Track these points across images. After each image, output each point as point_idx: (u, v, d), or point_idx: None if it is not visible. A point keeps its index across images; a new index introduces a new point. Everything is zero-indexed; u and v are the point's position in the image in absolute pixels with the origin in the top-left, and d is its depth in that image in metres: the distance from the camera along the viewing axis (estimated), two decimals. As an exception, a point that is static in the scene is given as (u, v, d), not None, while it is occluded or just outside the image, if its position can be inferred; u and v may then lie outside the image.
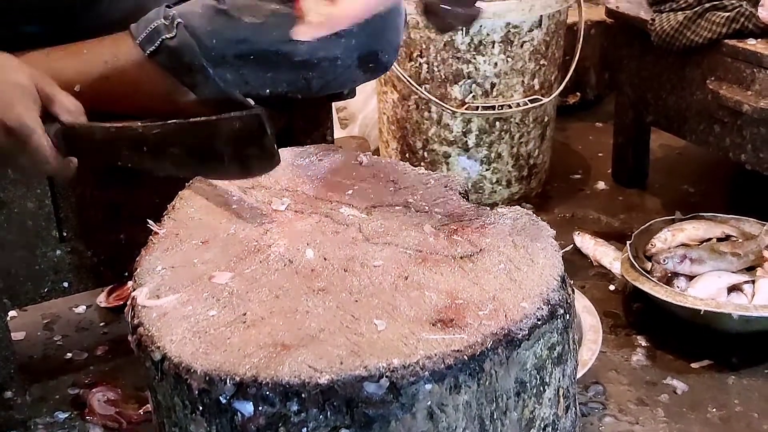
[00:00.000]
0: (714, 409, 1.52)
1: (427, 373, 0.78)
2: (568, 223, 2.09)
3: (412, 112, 2.05)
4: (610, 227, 2.08)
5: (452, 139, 2.04)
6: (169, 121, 1.09)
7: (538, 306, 0.85)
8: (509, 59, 1.97)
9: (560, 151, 2.39)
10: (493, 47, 1.95)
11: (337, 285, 0.89)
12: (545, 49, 2.01)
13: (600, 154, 2.40)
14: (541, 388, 0.87)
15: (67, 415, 1.53)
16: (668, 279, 1.75)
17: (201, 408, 0.81)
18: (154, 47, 1.30)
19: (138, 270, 0.94)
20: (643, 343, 1.69)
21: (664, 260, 1.74)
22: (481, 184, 2.08)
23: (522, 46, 1.97)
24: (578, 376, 1.46)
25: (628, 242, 1.79)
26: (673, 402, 1.54)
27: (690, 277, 1.74)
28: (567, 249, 0.92)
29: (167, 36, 1.29)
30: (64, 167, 1.10)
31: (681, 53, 1.92)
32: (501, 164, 2.07)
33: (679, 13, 1.90)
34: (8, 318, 1.70)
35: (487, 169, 2.07)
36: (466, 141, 2.03)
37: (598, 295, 1.82)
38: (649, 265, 1.77)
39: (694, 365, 1.63)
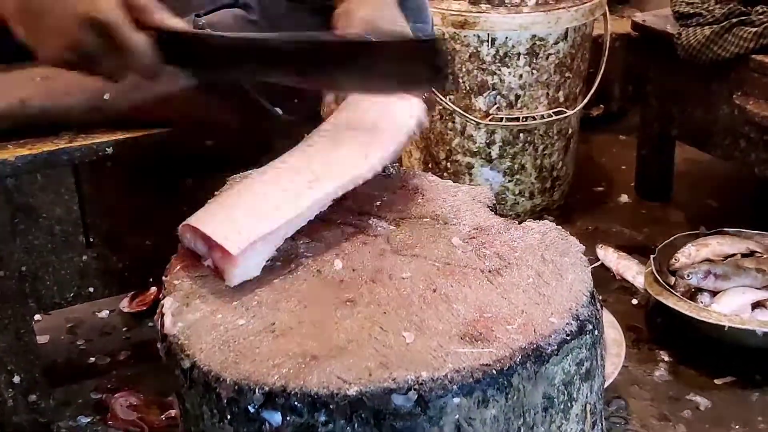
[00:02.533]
0: (737, 426, 1.51)
1: (455, 386, 0.78)
2: (590, 235, 2.08)
3: (436, 123, 2.05)
4: (633, 241, 2.07)
5: (475, 150, 2.04)
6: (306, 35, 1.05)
7: (567, 321, 0.85)
8: (534, 71, 1.97)
9: (583, 163, 2.39)
10: (518, 59, 1.95)
11: (365, 296, 0.89)
12: (570, 61, 2.01)
13: (623, 167, 2.39)
14: (569, 404, 0.87)
15: (89, 420, 1.54)
16: (692, 294, 1.74)
17: (229, 417, 0.81)
18: (183, 55, 1.31)
19: (168, 277, 0.94)
20: (666, 358, 1.69)
21: (688, 275, 1.73)
22: (503, 196, 2.08)
23: (547, 58, 1.97)
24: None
25: (651, 256, 1.79)
26: (696, 418, 1.53)
27: (714, 293, 1.74)
28: (595, 265, 0.91)
29: (196, 44, 1.30)
30: (153, 65, 1.04)
31: (707, 67, 1.92)
32: (524, 176, 2.07)
33: (706, 27, 1.90)
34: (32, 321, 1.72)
35: (509, 181, 2.07)
36: (490, 152, 2.03)
37: (620, 309, 1.82)
38: (672, 280, 1.77)
39: (717, 381, 1.62)
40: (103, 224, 1.43)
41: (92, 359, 1.70)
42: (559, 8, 1.92)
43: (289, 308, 0.88)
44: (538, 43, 1.95)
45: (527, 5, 1.90)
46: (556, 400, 0.85)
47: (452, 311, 0.86)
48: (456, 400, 0.79)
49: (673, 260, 1.82)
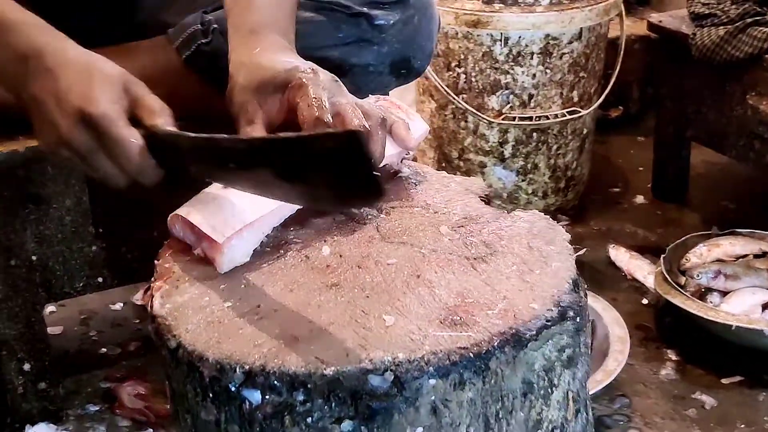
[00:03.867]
0: (743, 425, 1.51)
1: (431, 368, 0.79)
2: (603, 235, 2.08)
3: (449, 122, 2.06)
4: (646, 241, 2.07)
5: (488, 149, 2.04)
6: (258, 136, 0.97)
7: (549, 308, 0.85)
8: (548, 71, 1.97)
9: (600, 164, 2.38)
10: (531, 58, 1.95)
11: (350, 281, 0.90)
12: (585, 61, 2.01)
13: (641, 169, 2.39)
14: (549, 390, 0.87)
15: (97, 408, 1.57)
16: (701, 294, 1.73)
17: (211, 395, 0.83)
18: (190, 52, 1.33)
19: (159, 261, 0.96)
20: (673, 358, 1.68)
21: (698, 275, 1.73)
22: (516, 195, 2.08)
23: (561, 57, 1.97)
24: (603, 385, 1.47)
25: (662, 256, 1.79)
26: (701, 417, 1.53)
27: (724, 293, 1.73)
28: (581, 253, 0.92)
29: (203, 41, 1.33)
30: (148, 169, 0.96)
31: (721, 68, 1.91)
32: (537, 175, 2.08)
33: (721, 27, 1.89)
34: (47, 313, 1.76)
35: (523, 180, 2.08)
36: (503, 151, 2.04)
37: (630, 308, 1.82)
38: (683, 280, 1.76)
39: (724, 381, 1.62)
40: (113, 215, 1.46)
41: (103, 350, 1.72)
42: (572, 8, 1.93)
43: (275, 292, 0.90)
44: (551, 42, 1.95)
45: (540, 4, 1.91)
46: (536, 385, 0.86)
47: (434, 296, 0.87)
48: (432, 381, 0.79)
49: (684, 260, 1.81)
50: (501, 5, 1.91)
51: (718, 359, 1.65)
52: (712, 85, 1.98)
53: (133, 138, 0.94)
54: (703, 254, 1.81)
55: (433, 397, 0.80)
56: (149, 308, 0.91)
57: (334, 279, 0.91)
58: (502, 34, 1.93)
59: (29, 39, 0.99)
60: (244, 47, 1.06)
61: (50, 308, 1.81)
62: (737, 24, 1.87)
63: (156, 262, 0.97)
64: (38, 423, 1.48)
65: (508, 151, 2.04)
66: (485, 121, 2.00)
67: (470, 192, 1.05)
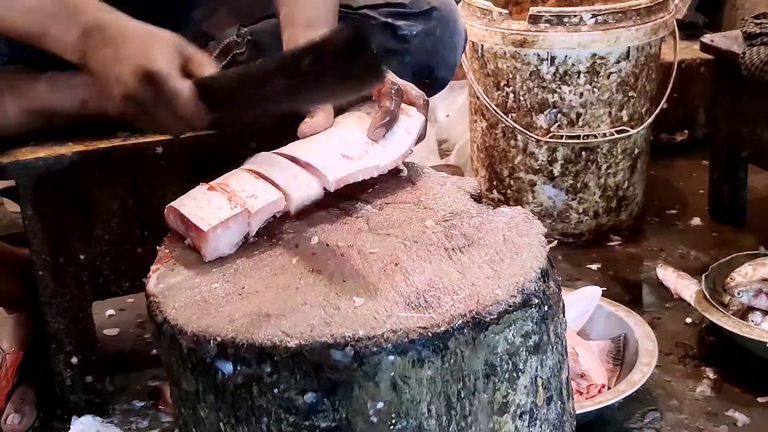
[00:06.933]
0: (774, 443, 1.48)
1: (389, 345, 0.84)
2: (655, 256, 2.07)
3: (499, 141, 2.10)
4: (698, 262, 2.04)
5: (538, 167, 2.07)
6: (281, 52, 1.13)
7: (512, 294, 0.89)
8: (595, 90, 1.99)
9: (660, 186, 2.37)
10: (578, 77, 1.98)
11: (331, 268, 0.96)
12: (634, 81, 2.02)
13: (701, 191, 2.36)
14: (515, 375, 0.90)
15: (142, 404, 1.65)
16: (744, 313, 1.72)
17: (190, 366, 0.89)
18: (226, 61, 1.42)
19: (161, 247, 1.04)
20: (711, 375, 1.67)
21: (739, 293, 1.71)
22: (567, 214, 2.10)
23: (608, 77, 1.99)
24: (626, 395, 1.47)
25: (704, 275, 1.77)
26: (732, 434, 1.51)
27: (767, 312, 1.71)
28: (553, 244, 0.95)
29: (238, 51, 1.41)
30: (199, 114, 1.10)
31: (771, 87, 1.89)
32: (587, 194, 2.09)
33: (770, 46, 1.88)
34: (106, 316, 1.86)
35: (573, 199, 2.09)
36: (552, 170, 2.06)
37: (673, 327, 1.81)
38: (727, 299, 1.75)
39: (760, 399, 1.59)
40: (158, 219, 1.54)
41: (155, 351, 1.81)
42: (618, 27, 1.94)
43: (261, 276, 0.96)
44: (598, 61, 1.97)
45: (586, 24, 1.93)
46: (498, 368, 0.89)
47: (407, 282, 0.92)
48: (390, 357, 0.84)
49: (729, 279, 1.79)
50: (547, 25, 1.94)
51: (755, 378, 1.62)
52: (765, 105, 1.96)
53: (185, 87, 1.08)
54: (748, 273, 1.79)
55: (392, 373, 0.85)
56: (146, 288, 0.98)
57: (317, 266, 0.96)
58: (548, 53, 1.96)
59: (94, 16, 1.15)
60: (303, 36, 1.19)
61: (109, 311, 1.91)
62: (787, 42, 1.85)
63: (158, 248, 1.04)
64: (85, 415, 1.56)
65: (557, 169, 2.06)
66: (533, 139, 2.03)
67: (462, 190, 1.09)
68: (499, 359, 0.89)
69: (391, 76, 1.16)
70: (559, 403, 0.97)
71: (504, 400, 0.90)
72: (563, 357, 0.97)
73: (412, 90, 1.17)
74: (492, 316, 0.87)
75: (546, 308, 0.91)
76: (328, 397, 0.85)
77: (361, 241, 1.00)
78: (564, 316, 0.97)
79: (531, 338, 0.90)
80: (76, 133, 1.45)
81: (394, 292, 0.90)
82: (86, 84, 1.45)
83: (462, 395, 0.88)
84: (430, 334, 0.85)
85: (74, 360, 1.55)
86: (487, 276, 0.92)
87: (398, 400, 0.85)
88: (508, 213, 1.02)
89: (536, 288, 0.90)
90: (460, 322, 0.86)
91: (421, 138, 1.16)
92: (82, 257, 1.51)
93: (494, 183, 2.13)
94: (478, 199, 1.09)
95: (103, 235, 1.51)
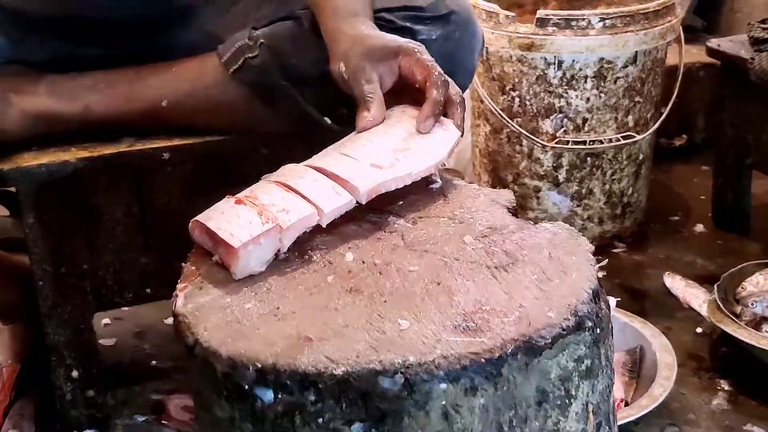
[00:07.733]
0: (793, 458, 1.46)
1: (441, 372, 0.79)
2: (661, 263, 2.05)
3: (504, 146, 2.06)
4: (704, 270, 2.02)
5: (543, 173, 2.03)
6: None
7: (565, 317, 0.85)
8: (602, 95, 1.96)
9: (662, 192, 2.35)
10: (585, 82, 1.94)
11: (370, 286, 0.91)
12: (640, 86, 1.99)
13: (702, 197, 2.34)
14: (567, 401, 0.86)
15: (145, 419, 1.59)
16: (757, 323, 1.69)
17: (225, 393, 0.84)
18: (237, 65, 1.36)
19: (187, 263, 0.99)
20: (726, 388, 1.64)
21: (752, 304, 1.69)
22: (572, 221, 2.06)
23: (615, 81, 1.96)
24: (647, 410, 1.44)
25: (716, 284, 1.75)
26: (750, 448, 1.49)
27: (780, 322, 1.68)
28: (603, 263, 0.91)
29: (250, 55, 1.36)
30: None
31: (781, 93, 1.87)
32: (593, 201, 2.05)
33: (781, 52, 1.85)
34: (102, 325, 1.80)
35: (578, 205, 2.06)
36: (557, 176, 2.03)
37: (684, 337, 1.78)
38: (738, 309, 1.72)
39: (778, 413, 1.57)
40: (163, 227, 1.49)
41: (155, 362, 1.75)
42: (627, 31, 1.91)
43: (296, 295, 0.91)
44: (605, 66, 1.94)
45: (594, 27, 1.90)
46: (551, 395, 0.85)
47: (452, 303, 0.87)
48: (442, 385, 0.79)
49: (740, 289, 1.77)
50: (554, 28, 1.91)
51: (772, 390, 1.60)
52: (772, 111, 1.94)
53: None
54: (759, 283, 1.77)
55: (443, 402, 0.80)
56: (173, 307, 0.93)
57: (355, 284, 0.92)
58: (555, 57, 1.92)
59: None
60: (348, 25, 1.21)
61: (105, 320, 1.85)
62: (798, 48, 1.83)
63: (183, 264, 0.99)
64: (86, 430, 1.51)
65: (562, 175, 2.03)
66: (539, 144, 1.99)
67: (497, 203, 1.05)
68: (551, 385, 0.85)
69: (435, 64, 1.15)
70: (607, 428, 0.93)
71: (555, 428, 0.86)
72: (611, 381, 0.93)
73: (452, 86, 1.15)
74: (546, 341, 0.83)
75: (598, 331, 0.87)
76: (376, 428, 0.80)
77: (399, 258, 0.95)
78: (612, 338, 0.93)
79: (583, 363, 0.86)
80: (80, 139, 1.40)
81: (439, 314, 0.86)
82: (89, 88, 1.40)
83: (514, 423, 0.84)
84: (482, 359, 0.80)
85: (75, 374, 1.49)
86: (535, 297, 0.87)
87: (449, 429, 0.81)
88: (550, 229, 0.98)
89: (589, 310, 0.86)
90: (512, 347, 0.82)
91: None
92: (84, 267, 1.45)
93: (497, 188, 2.09)
94: (514, 212, 1.05)
95: (107, 243, 1.46)
